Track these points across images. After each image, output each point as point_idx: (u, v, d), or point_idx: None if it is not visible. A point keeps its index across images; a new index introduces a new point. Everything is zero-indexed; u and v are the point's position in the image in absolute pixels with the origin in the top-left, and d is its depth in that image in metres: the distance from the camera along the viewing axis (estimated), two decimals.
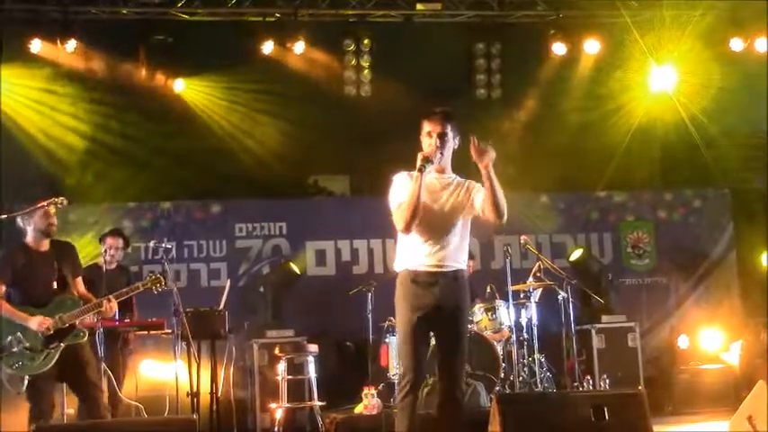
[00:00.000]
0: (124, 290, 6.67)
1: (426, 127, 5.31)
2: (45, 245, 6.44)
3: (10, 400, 8.38)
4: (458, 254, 5.28)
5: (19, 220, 6.39)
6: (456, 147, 5.38)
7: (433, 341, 5.45)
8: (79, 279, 6.59)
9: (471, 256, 9.68)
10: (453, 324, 5.24)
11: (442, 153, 5.27)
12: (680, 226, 11.69)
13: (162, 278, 6.78)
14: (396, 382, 7.95)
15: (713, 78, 10.65)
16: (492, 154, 5.12)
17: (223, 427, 8.27)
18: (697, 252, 11.56)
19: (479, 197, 5.23)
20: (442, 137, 5.26)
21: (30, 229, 6.39)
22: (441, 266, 5.21)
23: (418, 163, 5.12)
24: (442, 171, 5.35)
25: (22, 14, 9.81)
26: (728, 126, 11.06)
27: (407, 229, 5.18)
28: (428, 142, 5.28)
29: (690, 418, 9.37)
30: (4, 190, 9.26)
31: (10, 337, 6.21)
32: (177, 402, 7.75)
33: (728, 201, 11.73)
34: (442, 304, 5.19)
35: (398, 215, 5.20)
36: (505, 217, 5.18)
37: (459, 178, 5.40)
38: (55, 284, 6.36)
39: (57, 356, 6.22)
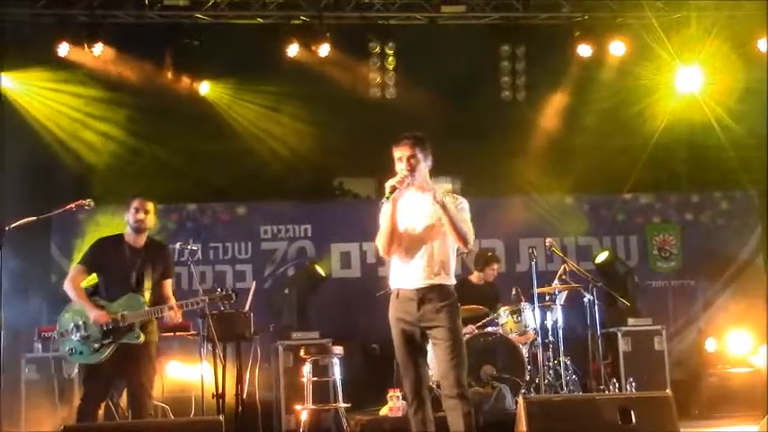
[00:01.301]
0: (190, 301, 6.70)
1: (396, 153, 5.58)
2: (140, 241, 6.61)
3: (34, 400, 8.51)
4: (439, 268, 5.49)
5: (126, 215, 6.59)
6: (429, 167, 5.64)
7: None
8: (169, 281, 6.70)
9: (496, 260, 9.70)
10: (442, 332, 5.41)
11: (413, 175, 5.50)
12: (707, 228, 11.61)
13: (233, 295, 6.87)
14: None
15: (740, 79, 10.55)
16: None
17: (248, 429, 8.28)
18: (724, 254, 11.46)
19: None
20: (410, 159, 5.52)
21: (127, 225, 6.60)
22: (422, 283, 5.47)
23: (386, 192, 5.40)
24: (420, 189, 5.56)
25: (49, 18, 9.89)
26: (755, 127, 10.95)
27: (387, 254, 5.52)
28: (399, 167, 5.54)
29: (717, 422, 9.31)
30: (33, 192, 9.34)
31: (73, 323, 6.41)
32: (203, 404, 7.79)
33: (756, 203, 11.62)
34: (428, 317, 5.44)
35: (377, 242, 5.54)
36: (470, 245, 5.59)
37: (427, 190, 5.57)
38: (134, 281, 6.48)
39: (108, 352, 6.35)
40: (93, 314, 6.35)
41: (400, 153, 5.55)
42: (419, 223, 5.52)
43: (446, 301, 5.46)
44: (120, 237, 6.64)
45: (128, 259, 6.52)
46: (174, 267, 6.92)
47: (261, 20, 10.39)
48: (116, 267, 6.51)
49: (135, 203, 6.56)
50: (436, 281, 5.48)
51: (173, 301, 6.57)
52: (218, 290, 6.94)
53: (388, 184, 5.42)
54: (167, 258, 6.76)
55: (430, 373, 7.78)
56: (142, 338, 6.42)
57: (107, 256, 6.56)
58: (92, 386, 6.44)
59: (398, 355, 5.57)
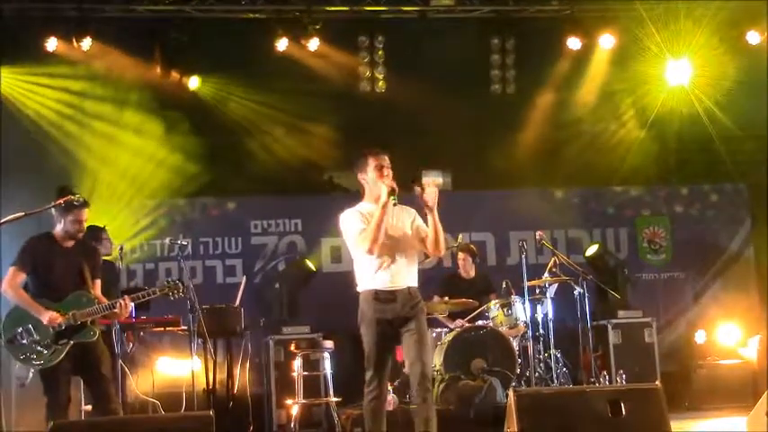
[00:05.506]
0: (141, 293, 6.63)
1: (378, 162, 5.98)
2: (70, 242, 6.44)
3: (23, 399, 8.44)
4: (411, 273, 5.98)
5: (54, 211, 6.39)
6: None
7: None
8: (98, 282, 6.56)
9: (464, 249, 9.56)
10: (414, 325, 5.87)
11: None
12: (696, 221, 11.65)
13: (180, 285, 6.73)
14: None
15: (729, 71, 10.59)
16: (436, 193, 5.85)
17: (239, 424, 8.30)
18: (714, 247, 11.51)
19: (422, 229, 5.95)
20: (390, 168, 5.97)
21: (60, 226, 6.40)
22: (398, 285, 5.90)
23: (384, 196, 5.77)
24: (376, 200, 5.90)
25: (38, 13, 9.85)
26: (745, 120, 10.99)
27: (372, 250, 5.80)
28: (385, 173, 5.93)
29: (707, 413, 9.35)
30: (22, 187, 9.30)
31: (20, 329, 6.23)
32: (194, 399, 7.78)
33: (745, 195, 11.67)
34: (402, 314, 5.88)
35: (363, 238, 5.83)
36: (443, 251, 6.17)
37: (398, 205, 5.95)
38: (76, 279, 6.36)
39: (64, 352, 6.22)
40: (47, 316, 6.17)
41: (383, 162, 5.96)
42: (395, 231, 5.91)
43: (418, 299, 5.95)
44: (50, 235, 6.45)
45: (63, 259, 6.36)
46: (101, 268, 6.70)
47: (250, 14, 10.38)
48: (53, 268, 6.34)
49: (81, 214, 6.37)
50: (411, 284, 5.95)
51: (105, 301, 6.40)
52: (167, 280, 6.83)
53: (390, 186, 5.78)
54: (98, 259, 6.62)
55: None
56: (97, 335, 6.32)
57: (42, 257, 6.36)
58: (54, 393, 6.22)
59: (377, 354, 5.89)
